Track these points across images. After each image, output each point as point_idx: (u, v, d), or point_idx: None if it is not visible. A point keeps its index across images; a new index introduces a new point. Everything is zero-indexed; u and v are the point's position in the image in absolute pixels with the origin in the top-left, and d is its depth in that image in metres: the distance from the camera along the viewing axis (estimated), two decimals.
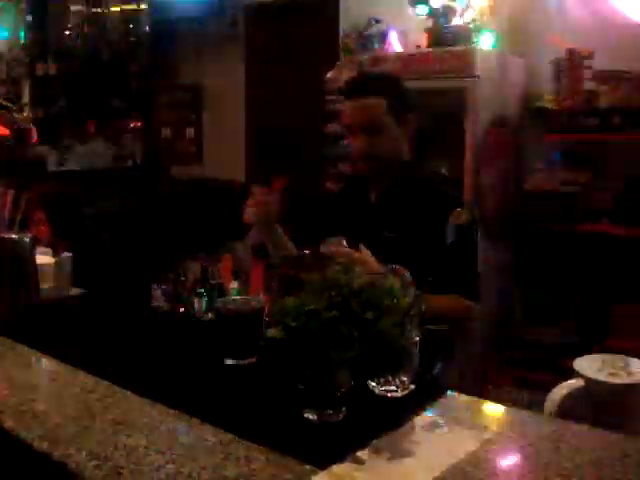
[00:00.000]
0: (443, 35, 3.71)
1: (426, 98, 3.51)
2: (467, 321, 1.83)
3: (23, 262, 1.70)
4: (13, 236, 1.71)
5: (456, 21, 3.78)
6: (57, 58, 4.37)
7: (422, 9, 3.83)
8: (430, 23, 3.85)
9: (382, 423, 1.20)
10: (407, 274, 1.29)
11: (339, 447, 1.11)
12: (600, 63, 3.47)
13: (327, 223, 2.05)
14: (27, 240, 1.70)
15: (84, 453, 1.09)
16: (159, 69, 4.70)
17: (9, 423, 1.21)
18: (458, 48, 3.57)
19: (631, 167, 3.52)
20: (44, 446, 1.12)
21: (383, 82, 2.03)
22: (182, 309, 1.87)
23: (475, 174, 3.56)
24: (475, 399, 1.35)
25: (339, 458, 1.08)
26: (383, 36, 4.22)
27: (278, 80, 4.67)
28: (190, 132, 4.83)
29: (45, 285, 1.84)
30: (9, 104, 3.98)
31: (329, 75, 4.34)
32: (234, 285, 2.72)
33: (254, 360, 1.44)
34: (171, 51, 4.76)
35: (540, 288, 3.75)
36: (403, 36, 4.15)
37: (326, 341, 1.09)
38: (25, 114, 4.03)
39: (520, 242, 3.82)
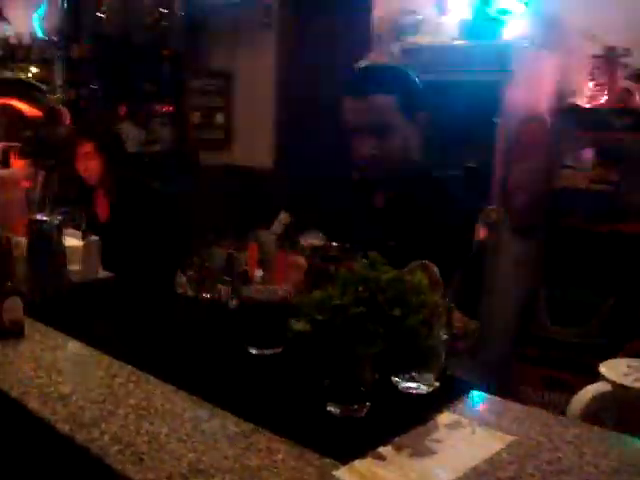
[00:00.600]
0: (478, 28, 3.66)
1: (459, 91, 3.48)
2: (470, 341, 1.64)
3: (52, 244, 1.71)
4: (42, 217, 1.72)
5: (491, 14, 3.73)
6: (90, 41, 4.39)
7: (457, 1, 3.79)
8: (465, 15, 3.81)
9: (405, 420, 1.19)
10: (436, 270, 1.28)
11: (361, 442, 1.11)
12: (637, 62, 3.41)
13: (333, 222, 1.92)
14: (56, 222, 1.71)
15: (107, 437, 1.10)
16: (191, 54, 4.69)
17: (33, 404, 1.22)
18: (492, 42, 3.52)
19: None
20: (67, 429, 1.13)
21: (391, 77, 1.82)
22: (207, 296, 1.87)
23: (506, 170, 3.52)
24: (499, 399, 1.33)
25: (360, 453, 1.08)
26: (416, 26, 4.17)
27: (309, 68, 4.64)
28: (219, 118, 4.83)
29: (73, 268, 1.86)
30: (42, 85, 4.01)
31: (361, 64, 4.31)
32: (259, 273, 2.72)
33: (279, 350, 1.44)
34: (203, 36, 4.75)
35: (568, 287, 3.70)
36: (437, 27, 4.11)
37: (352, 337, 1.08)
38: (57, 95, 4.05)
39: (549, 240, 3.77)
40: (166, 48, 4.52)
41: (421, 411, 1.23)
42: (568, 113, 3.68)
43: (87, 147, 2.85)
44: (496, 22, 3.60)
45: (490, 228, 1.28)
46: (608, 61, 3.49)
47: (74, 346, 1.51)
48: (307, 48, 4.66)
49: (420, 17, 4.17)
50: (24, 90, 3.84)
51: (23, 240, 1.78)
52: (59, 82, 4.15)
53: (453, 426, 1.20)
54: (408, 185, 1.82)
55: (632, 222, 3.48)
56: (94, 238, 1.93)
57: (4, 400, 1.27)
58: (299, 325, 1.14)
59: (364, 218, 1.89)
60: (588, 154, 3.70)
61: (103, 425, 1.14)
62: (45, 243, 1.70)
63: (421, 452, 1.11)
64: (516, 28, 3.66)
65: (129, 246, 2.62)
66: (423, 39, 3.98)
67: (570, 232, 3.64)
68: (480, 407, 1.30)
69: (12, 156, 3.35)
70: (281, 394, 1.27)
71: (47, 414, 1.18)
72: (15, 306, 1.51)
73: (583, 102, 3.60)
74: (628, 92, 3.44)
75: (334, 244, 1.46)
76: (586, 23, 3.56)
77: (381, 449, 1.10)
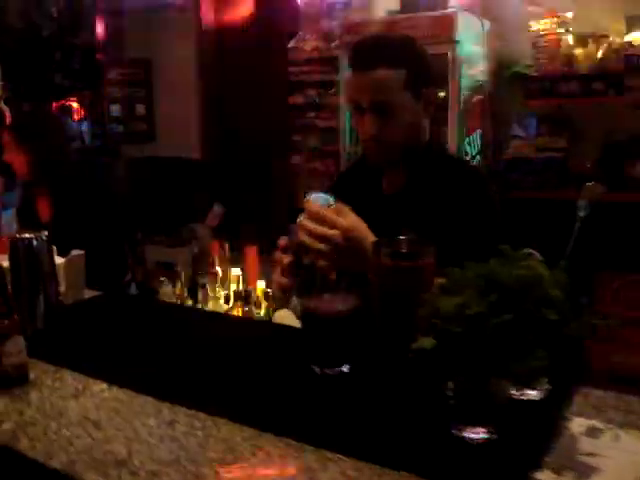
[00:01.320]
0: None
1: None
2: None
3: (43, 266, 1.41)
4: (27, 235, 1.41)
5: None
6: None
7: None
8: None
9: (539, 435, 1.02)
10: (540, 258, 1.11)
11: (512, 469, 0.93)
12: (580, 27, 3.40)
13: None
14: (44, 238, 1.41)
15: None
16: (106, 42, 4.30)
17: (90, 476, 0.95)
18: (437, 13, 3.41)
19: (609, 133, 3.48)
20: None
21: (401, 49, 1.60)
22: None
23: (460, 142, 3.43)
24: (610, 393, 1.18)
25: None
26: (346, 3, 4.01)
27: (234, 52, 4.38)
28: (141, 109, 4.47)
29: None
30: None
31: (291, 44, 4.12)
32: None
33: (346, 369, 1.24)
34: (119, 23, 4.37)
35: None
36: (366, 3, 3.96)
37: (505, 351, 0.89)
38: None
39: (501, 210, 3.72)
40: (78, 37, 4.11)
41: (548, 421, 1.06)
42: (513, 81, 3.64)
43: (8, 140, 2.53)
44: None
45: (592, 205, 1.14)
46: (551, 28, 3.45)
47: (98, 388, 1.23)
48: (229, 31, 4.39)
49: None
50: None
51: None
52: None
53: (592, 434, 1.05)
54: (420, 170, 1.63)
55: (577, 189, 3.48)
56: (78, 252, 1.64)
57: (43, 474, 0.99)
58: (424, 342, 0.94)
59: (370, 205, 1.68)
60: (534, 122, 3.67)
61: None
62: (34, 265, 1.40)
63: (585, 473, 0.94)
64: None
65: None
66: (358, 14, 3.83)
67: (520, 201, 3.61)
68: (599, 406, 1.14)
69: None
70: (392, 422, 1.07)
71: None
72: (18, 348, 1.22)
73: (527, 70, 3.55)
74: (572, 58, 3.42)
75: (402, 237, 1.25)
76: None
77: (539, 475, 0.93)
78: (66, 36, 4.10)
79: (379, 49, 1.59)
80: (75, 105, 4.40)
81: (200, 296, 2.39)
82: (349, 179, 1.85)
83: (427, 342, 0.94)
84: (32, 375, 1.27)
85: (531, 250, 1.11)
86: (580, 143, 3.55)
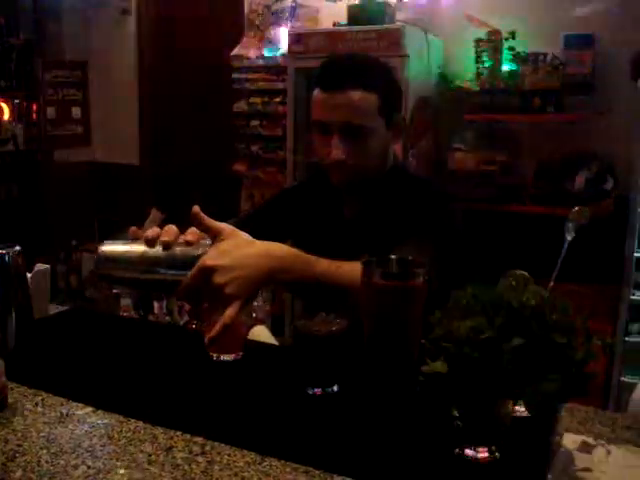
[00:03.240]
0: (365, 12, 3.57)
1: None
2: None
3: (17, 281, 1.35)
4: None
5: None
6: None
7: None
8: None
9: (534, 451, 1.06)
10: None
11: None
12: (521, 44, 3.51)
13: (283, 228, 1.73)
14: (17, 252, 1.35)
15: None
16: (42, 43, 4.15)
17: None
18: (384, 26, 3.45)
19: (547, 148, 3.61)
20: None
21: (377, 73, 1.56)
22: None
23: (404, 155, 3.48)
24: (592, 409, 1.24)
25: None
26: (292, 12, 4.01)
27: (175, 56, 4.32)
28: (77, 112, 4.33)
29: None
30: None
31: (234, 52, 4.09)
32: None
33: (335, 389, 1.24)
34: (56, 24, 4.23)
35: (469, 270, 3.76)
36: (315, 12, 3.98)
37: (519, 375, 0.92)
38: None
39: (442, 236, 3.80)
40: (14, 36, 3.94)
41: (540, 437, 1.10)
42: (455, 96, 3.73)
43: None
44: (385, 7, 3.53)
45: (579, 229, 1.19)
46: (493, 44, 3.56)
47: (83, 412, 1.19)
48: (171, 35, 4.32)
49: (293, 2, 4.03)
50: None
51: None
52: None
53: (585, 449, 1.09)
54: (383, 192, 1.61)
55: (517, 202, 3.60)
56: (44, 266, 1.57)
57: None
58: (439, 366, 0.95)
59: (332, 230, 1.68)
60: (474, 136, 3.77)
61: None
62: (8, 281, 1.33)
63: None
64: (401, 13, 3.63)
65: None
66: (304, 24, 3.85)
67: (462, 214, 3.69)
68: (585, 421, 1.19)
69: None
70: (395, 443, 1.08)
71: None
72: None
73: (469, 85, 3.65)
74: (513, 74, 3.54)
75: (392, 257, 1.27)
76: (470, 7, 3.61)
77: None
78: (2, 36, 3.93)
79: (355, 70, 1.54)
80: (6, 107, 4.22)
81: (155, 308, 2.33)
82: (302, 196, 1.80)
83: (441, 366, 0.96)
84: (10, 399, 1.22)
85: (523, 272, 1.14)
86: (519, 158, 3.68)
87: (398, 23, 3.51)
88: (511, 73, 3.52)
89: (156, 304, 2.36)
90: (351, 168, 1.55)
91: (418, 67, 3.50)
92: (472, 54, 3.60)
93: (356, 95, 1.49)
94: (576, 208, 1.20)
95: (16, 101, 4.01)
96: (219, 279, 1.14)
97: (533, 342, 0.93)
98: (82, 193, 4.21)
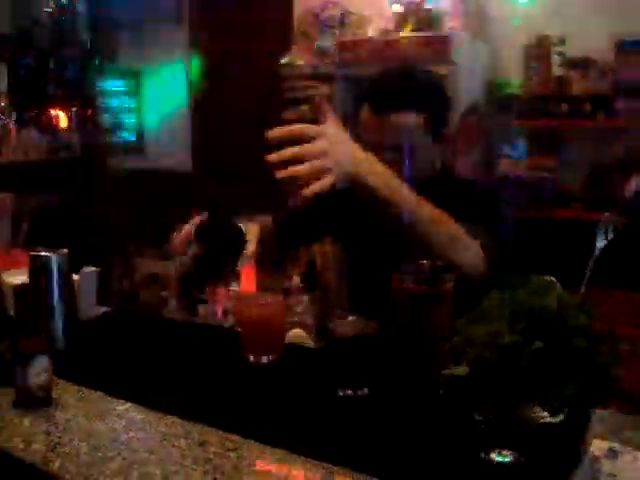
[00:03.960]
0: (414, 19, 3.58)
1: None
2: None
3: (64, 283, 1.42)
4: (47, 252, 1.42)
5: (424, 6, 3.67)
6: None
7: None
8: (396, 7, 3.73)
9: (562, 458, 1.06)
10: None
11: None
12: (570, 50, 3.47)
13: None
14: (63, 255, 1.43)
15: None
16: (98, 53, 4.31)
17: None
18: (435, 33, 3.46)
19: (597, 154, 3.55)
20: None
21: (428, 93, 1.56)
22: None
23: (451, 162, 3.48)
24: (625, 416, 1.23)
25: None
26: (341, 20, 4.05)
27: (226, 65, 4.41)
28: (130, 119, 4.47)
29: None
30: None
31: (284, 60, 4.15)
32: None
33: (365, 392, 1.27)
34: (111, 34, 4.38)
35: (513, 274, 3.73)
36: (363, 20, 4.01)
37: (539, 379, 0.93)
38: (2, 103, 3.54)
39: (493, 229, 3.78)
40: (71, 47, 4.10)
41: (570, 444, 1.10)
42: (504, 102, 3.70)
43: None
44: (433, 14, 3.54)
45: (610, 235, 1.18)
46: (542, 50, 3.53)
47: (124, 409, 1.25)
48: (222, 44, 4.42)
49: (343, 10, 4.07)
50: None
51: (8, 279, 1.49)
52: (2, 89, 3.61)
53: (611, 455, 1.08)
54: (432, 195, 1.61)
55: (567, 208, 3.55)
56: (91, 269, 1.65)
57: None
58: (460, 369, 0.97)
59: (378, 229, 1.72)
60: (524, 143, 3.74)
61: None
62: (56, 283, 1.40)
63: None
64: (450, 20, 3.62)
65: None
66: (353, 33, 3.88)
67: (512, 220, 3.66)
68: (615, 428, 1.18)
69: None
70: (419, 445, 1.10)
71: None
72: (43, 367, 1.23)
73: (518, 91, 3.62)
74: (563, 80, 3.50)
75: (425, 262, 1.29)
76: (519, 13, 3.59)
77: None
78: (60, 47, 4.09)
79: (407, 91, 1.53)
80: (63, 115, 4.38)
81: (202, 311, 2.39)
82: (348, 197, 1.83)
83: (461, 370, 0.97)
84: (55, 395, 1.28)
85: (551, 278, 1.15)
86: (569, 164, 3.63)
87: (447, 30, 3.51)
88: (560, 78, 3.48)
89: (201, 308, 2.43)
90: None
91: (467, 74, 3.50)
92: (521, 60, 3.58)
93: (408, 118, 1.50)
94: (607, 214, 1.19)
95: (73, 109, 4.15)
96: (324, 145, 1.22)
97: (553, 346, 0.94)
98: (136, 199, 4.33)
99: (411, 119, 1.50)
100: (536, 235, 3.57)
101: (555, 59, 3.50)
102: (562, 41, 3.44)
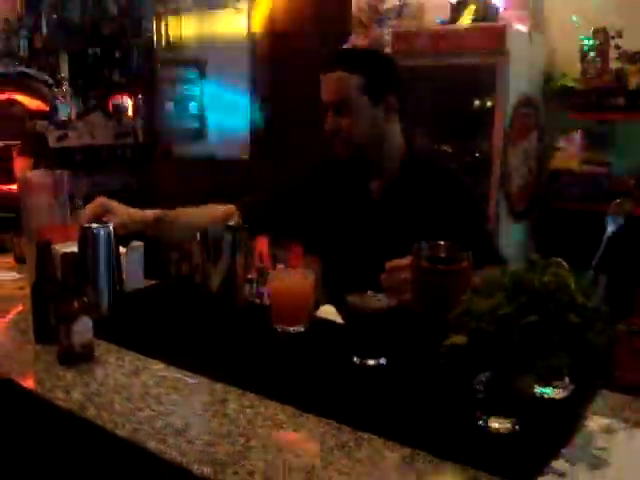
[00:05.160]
0: (469, 9, 3.59)
1: (455, 75, 3.43)
2: None
3: (110, 254, 1.54)
4: (95, 225, 1.55)
5: None
6: (53, 30, 4.09)
7: None
8: None
9: (558, 430, 1.11)
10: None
11: (532, 458, 1.02)
12: (628, 43, 3.42)
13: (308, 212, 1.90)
14: (111, 228, 1.55)
15: (258, 478, 0.97)
16: (162, 43, 4.48)
17: (152, 443, 1.07)
18: (487, 24, 3.46)
19: None
20: (208, 472, 0.99)
21: (360, 57, 1.82)
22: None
23: (503, 153, 3.49)
24: (628, 397, 1.26)
25: (538, 471, 0.99)
26: (398, 11, 4.09)
27: (286, 53, 4.50)
28: (193, 107, 4.62)
29: None
30: (48, 78, 3.69)
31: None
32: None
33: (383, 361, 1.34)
34: (174, 23, 4.54)
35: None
36: (420, 11, 4.03)
37: (530, 349, 0.98)
38: (64, 88, 3.76)
39: (543, 221, 3.77)
40: (138, 37, 4.28)
41: (567, 418, 1.15)
42: (559, 94, 3.68)
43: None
44: (489, 4, 3.54)
45: (621, 221, 1.22)
46: (599, 43, 3.49)
47: (157, 368, 1.36)
48: (283, 32, 4.51)
49: (398, 1, 4.10)
50: (28, 83, 3.54)
51: (59, 250, 1.61)
52: (64, 74, 3.81)
53: (608, 430, 1.13)
54: (403, 171, 1.82)
55: None
56: (138, 243, 1.77)
57: (111, 441, 1.11)
58: (459, 338, 1.03)
59: (359, 206, 1.86)
60: (578, 136, 3.70)
61: (246, 463, 1.01)
62: (102, 253, 1.53)
63: (597, 464, 1.03)
64: (506, 11, 3.62)
65: None
66: (409, 23, 3.91)
67: (562, 213, 3.64)
68: (616, 406, 1.22)
69: (14, 154, 3.10)
70: (429, 411, 1.16)
71: (175, 455, 1.03)
72: (85, 327, 1.35)
73: (574, 84, 3.59)
74: (620, 73, 3.45)
75: (441, 243, 1.35)
76: (576, 5, 3.55)
77: (555, 464, 1.02)
78: (126, 36, 4.26)
79: (340, 55, 1.85)
80: (130, 102, 4.56)
81: (247, 291, 2.49)
82: (327, 176, 1.95)
83: (459, 339, 1.04)
84: (97, 353, 1.40)
85: (560, 259, 1.19)
86: (624, 158, 3.58)
87: (502, 21, 3.50)
88: (617, 72, 3.43)
89: (247, 286, 2.53)
90: (345, 141, 1.78)
91: (521, 65, 3.49)
92: (577, 52, 3.54)
93: (337, 75, 1.74)
94: (617, 200, 1.22)
95: (139, 97, 4.32)
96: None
97: (547, 320, 0.99)
98: (196, 185, 4.47)
99: (339, 76, 1.74)
100: (587, 229, 3.54)
101: (612, 52, 3.45)
102: (619, 34, 3.39)
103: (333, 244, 1.87)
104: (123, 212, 1.77)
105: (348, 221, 1.84)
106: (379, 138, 1.80)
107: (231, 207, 1.92)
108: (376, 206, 1.84)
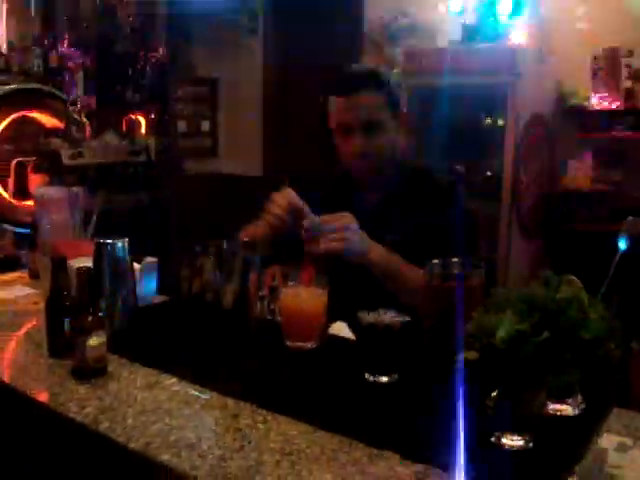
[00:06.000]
0: (479, 31, 3.62)
1: (466, 94, 3.45)
2: None
3: (125, 269, 1.56)
4: (110, 240, 1.56)
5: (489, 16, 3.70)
6: (73, 49, 4.15)
7: (457, 4, 3.75)
8: (461, 18, 3.78)
9: (571, 447, 1.11)
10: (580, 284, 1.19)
11: (549, 476, 1.02)
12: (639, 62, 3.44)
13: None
14: (125, 244, 1.57)
15: None
16: (175, 61, 4.53)
17: (164, 457, 1.08)
18: (498, 44, 3.49)
19: None
20: None
21: (380, 77, 1.84)
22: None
23: (514, 172, 3.50)
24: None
25: None
26: (411, 30, 4.13)
27: (298, 73, 4.54)
28: (205, 125, 4.67)
29: None
30: (63, 95, 3.74)
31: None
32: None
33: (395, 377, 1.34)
34: (188, 43, 4.60)
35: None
36: (431, 31, 4.07)
37: (542, 366, 0.99)
38: (78, 106, 3.81)
39: (553, 241, 3.76)
40: (149, 55, 4.33)
41: (580, 435, 1.15)
42: (569, 115, 3.70)
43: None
44: (500, 25, 3.57)
45: (633, 240, 1.22)
46: (610, 62, 3.50)
47: (170, 383, 1.36)
48: (295, 53, 4.56)
49: (413, 21, 4.14)
50: (43, 100, 3.59)
51: (74, 265, 1.63)
52: (79, 92, 3.87)
53: (621, 449, 1.13)
54: (399, 182, 1.86)
55: None
56: (152, 259, 1.78)
57: (123, 455, 1.12)
58: (470, 354, 1.04)
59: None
60: (589, 155, 3.71)
61: (258, 478, 1.01)
62: (116, 268, 1.54)
63: None
64: (517, 31, 3.64)
65: None
66: (421, 42, 3.94)
67: (572, 233, 3.64)
68: (630, 424, 1.21)
69: (29, 171, 3.14)
70: (441, 428, 1.16)
71: (189, 469, 1.04)
72: (99, 342, 1.36)
73: (585, 103, 3.61)
74: (631, 92, 3.46)
75: (454, 260, 1.36)
76: (587, 25, 3.58)
77: None
78: (139, 54, 4.31)
79: (366, 75, 1.83)
80: (142, 120, 4.60)
81: (258, 308, 2.49)
82: (336, 193, 1.96)
83: (471, 355, 1.04)
84: (110, 368, 1.41)
85: (572, 276, 1.19)
86: (634, 178, 3.58)
87: (513, 41, 3.53)
88: (628, 91, 3.44)
89: (259, 303, 2.53)
90: (372, 160, 1.81)
91: (532, 85, 3.51)
92: (589, 72, 3.56)
93: (368, 96, 1.77)
94: (630, 218, 1.23)
95: (151, 116, 4.37)
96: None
97: (559, 337, 1.00)
98: (208, 202, 4.50)
99: (371, 97, 1.77)
100: (598, 248, 3.54)
101: (623, 71, 3.47)
102: (630, 53, 3.41)
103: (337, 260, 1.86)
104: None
105: None
106: (395, 152, 1.86)
107: None
108: (371, 218, 1.82)
